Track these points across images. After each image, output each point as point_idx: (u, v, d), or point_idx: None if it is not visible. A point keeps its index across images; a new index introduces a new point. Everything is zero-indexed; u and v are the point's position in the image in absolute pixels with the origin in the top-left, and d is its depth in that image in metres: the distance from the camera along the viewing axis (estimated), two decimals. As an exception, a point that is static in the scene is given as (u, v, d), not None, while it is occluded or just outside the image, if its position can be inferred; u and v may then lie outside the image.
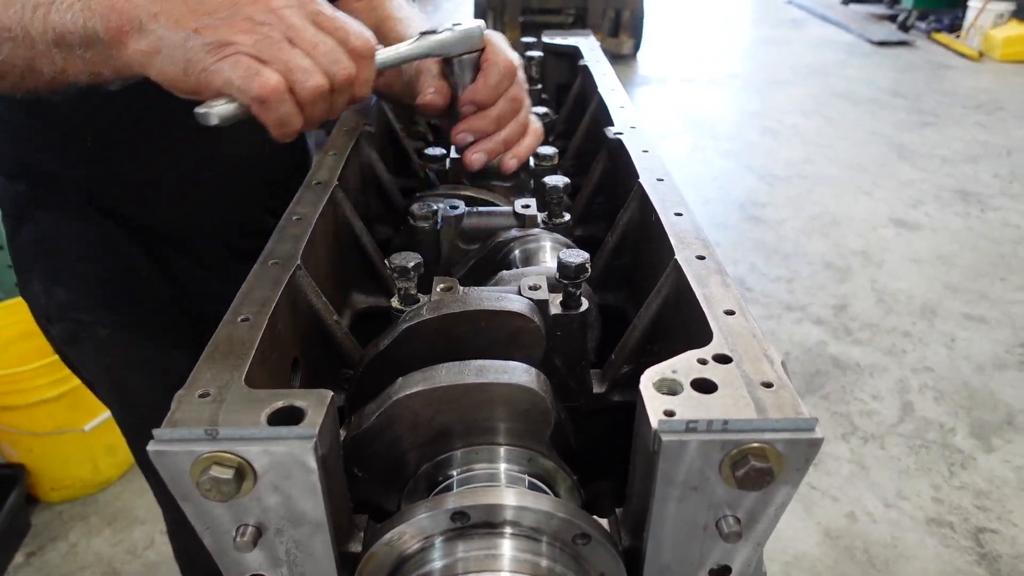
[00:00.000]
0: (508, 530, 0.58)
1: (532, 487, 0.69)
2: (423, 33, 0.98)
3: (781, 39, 8.95)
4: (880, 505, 2.54)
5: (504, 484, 0.68)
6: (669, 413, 0.56)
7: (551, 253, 0.99)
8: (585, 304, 0.81)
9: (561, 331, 0.81)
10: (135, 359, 1.20)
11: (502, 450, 0.70)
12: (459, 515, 0.58)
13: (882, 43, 8.54)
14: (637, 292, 0.99)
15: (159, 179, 1.15)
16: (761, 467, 0.54)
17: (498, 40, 1.03)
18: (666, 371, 0.60)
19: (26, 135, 1.10)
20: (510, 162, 1.04)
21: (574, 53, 1.65)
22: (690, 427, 0.55)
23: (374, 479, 0.69)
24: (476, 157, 1.02)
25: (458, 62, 1.00)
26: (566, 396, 0.84)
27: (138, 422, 1.26)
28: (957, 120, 6.07)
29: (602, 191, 1.19)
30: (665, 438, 0.54)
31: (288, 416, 0.56)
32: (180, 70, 0.73)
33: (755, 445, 0.55)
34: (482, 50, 1.00)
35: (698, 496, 0.58)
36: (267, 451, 0.54)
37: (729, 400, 0.57)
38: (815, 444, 0.55)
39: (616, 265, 1.04)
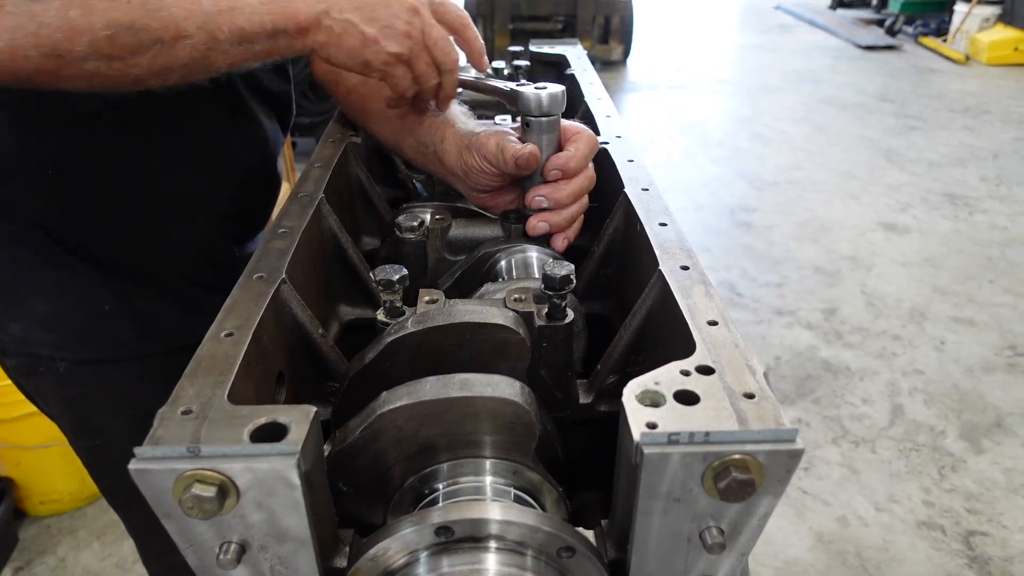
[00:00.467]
0: (493, 544, 0.58)
1: (518, 500, 0.69)
2: (513, 88, 0.99)
3: (770, 45, 9.01)
4: (871, 509, 2.55)
5: (490, 498, 0.68)
6: (651, 425, 0.56)
7: (537, 264, 0.99)
8: (571, 315, 0.81)
9: (547, 342, 0.81)
10: (98, 392, 1.15)
11: (488, 463, 0.70)
12: (443, 530, 0.58)
13: (870, 48, 8.61)
14: (622, 302, 0.99)
15: (122, 212, 1.10)
16: (743, 479, 0.55)
17: (574, 122, 1.03)
18: (649, 383, 0.61)
19: None
20: (562, 243, 1.02)
21: (561, 62, 1.66)
22: (672, 439, 0.55)
23: (359, 493, 0.69)
24: (541, 226, 0.99)
25: (537, 123, 0.97)
26: (552, 407, 0.85)
27: (104, 454, 1.20)
28: (944, 124, 6.12)
29: (595, 203, 1.19)
30: (647, 450, 0.55)
31: (271, 432, 0.56)
32: (346, 56, 0.90)
33: (736, 457, 0.55)
34: (557, 118, 0.98)
35: (681, 508, 0.58)
36: (250, 468, 0.54)
37: (711, 412, 0.57)
38: (796, 455, 0.55)
39: (602, 275, 1.04)
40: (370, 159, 1.31)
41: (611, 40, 7.74)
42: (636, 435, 0.55)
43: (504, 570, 0.58)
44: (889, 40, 8.83)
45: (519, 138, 0.99)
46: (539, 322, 0.80)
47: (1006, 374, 3.22)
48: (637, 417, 0.57)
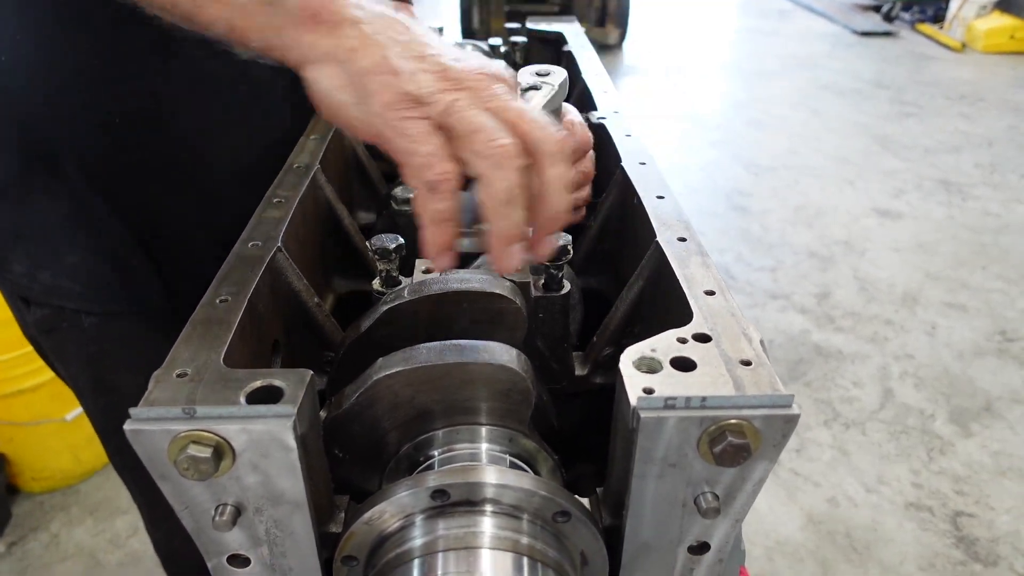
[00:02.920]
0: (488, 508, 0.59)
1: (513, 466, 0.69)
2: (524, 90, 0.88)
3: (768, 29, 8.97)
4: (861, 490, 2.58)
5: (485, 463, 0.68)
6: (648, 391, 0.56)
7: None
8: (567, 286, 0.81)
9: (543, 313, 0.81)
10: (122, 351, 1.16)
11: (483, 430, 0.70)
12: (439, 493, 0.58)
13: (866, 34, 8.58)
14: (619, 276, 0.99)
15: (168, 168, 1.09)
16: (738, 443, 0.55)
17: (573, 112, 0.99)
18: (645, 350, 0.61)
19: (41, 98, 1.01)
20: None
21: (558, 39, 1.65)
22: (668, 404, 0.55)
23: (355, 460, 0.69)
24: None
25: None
26: (548, 378, 0.85)
27: (119, 411, 1.23)
28: (939, 111, 6.12)
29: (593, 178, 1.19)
30: (644, 415, 0.55)
31: (267, 395, 0.56)
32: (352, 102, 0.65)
33: (733, 421, 0.55)
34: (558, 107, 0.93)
35: (677, 473, 0.58)
36: (245, 429, 0.54)
37: (708, 378, 0.58)
38: (792, 420, 0.56)
39: (599, 249, 1.04)
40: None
41: (607, 23, 7.68)
42: (633, 400, 0.55)
43: (500, 533, 0.58)
44: (886, 26, 8.80)
45: None
46: (536, 293, 0.80)
47: (996, 359, 3.24)
48: (634, 382, 0.57)
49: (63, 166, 1.05)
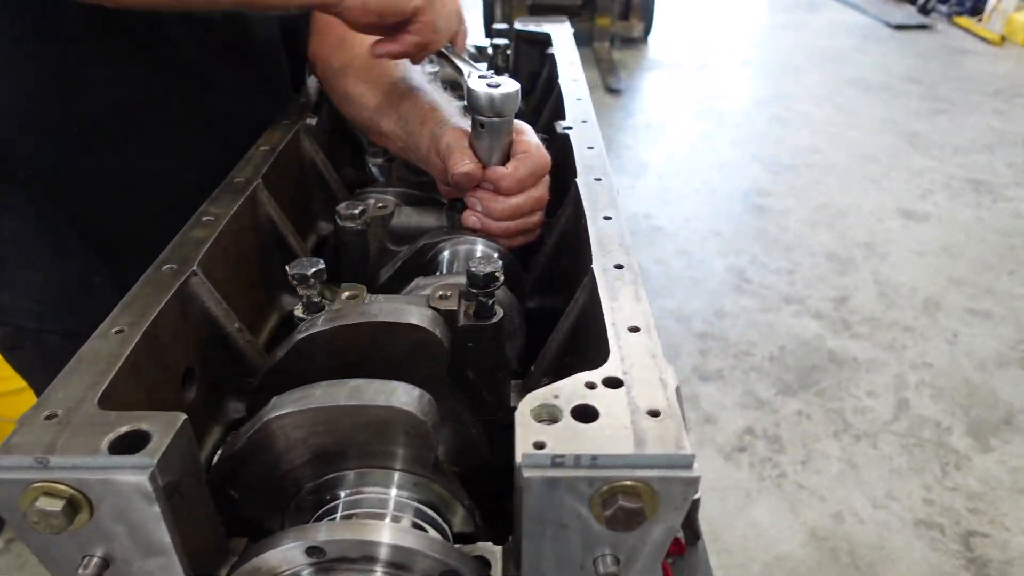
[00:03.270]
0: (368, 567, 0.55)
1: (419, 515, 0.65)
2: (468, 79, 0.91)
3: (797, 23, 8.75)
4: (868, 505, 2.49)
5: (391, 512, 0.64)
6: (539, 445, 0.51)
7: (483, 256, 0.94)
8: (499, 314, 0.77)
9: (472, 342, 0.77)
10: None
11: (394, 475, 0.66)
12: (315, 550, 0.54)
13: (900, 27, 8.32)
14: (569, 299, 0.94)
15: (139, 180, 1.07)
16: (630, 507, 0.50)
17: (531, 133, 0.96)
18: (548, 396, 0.56)
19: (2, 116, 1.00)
20: (504, 243, 0.97)
21: (545, 40, 1.60)
22: (556, 462, 0.51)
23: (254, 500, 0.66)
24: (472, 221, 0.95)
25: (489, 124, 0.90)
26: (481, 409, 0.80)
27: None
28: (973, 107, 5.91)
29: (553, 190, 1.14)
30: (527, 473, 0.50)
31: (133, 442, 0.52)
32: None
33: (628, 483, 0.51)
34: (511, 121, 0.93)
35: (570, 534, 0.54)
36: (103, 481, 0.51)
37: (608, 431, 0.53)
38: (691, 483, 0.51)
39: (556, 267, 0.99)
40: (333, 142, 1.27)
41: (632, 16, 7.54)
42: (518, 456, 0.51)
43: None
44: (921, 19, 8.53)
45: (470, 138, 0.94)
46: (464, 321, 0.76)
47: (1020, 370, 3.11)
48: (526, 435, 0.52)
49: (20, 182, 1.04)
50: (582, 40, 7.66)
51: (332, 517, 0.65)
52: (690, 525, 1.84)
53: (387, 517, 0.64)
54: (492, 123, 0.90)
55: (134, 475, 0.50)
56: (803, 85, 6.54)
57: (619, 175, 4.86)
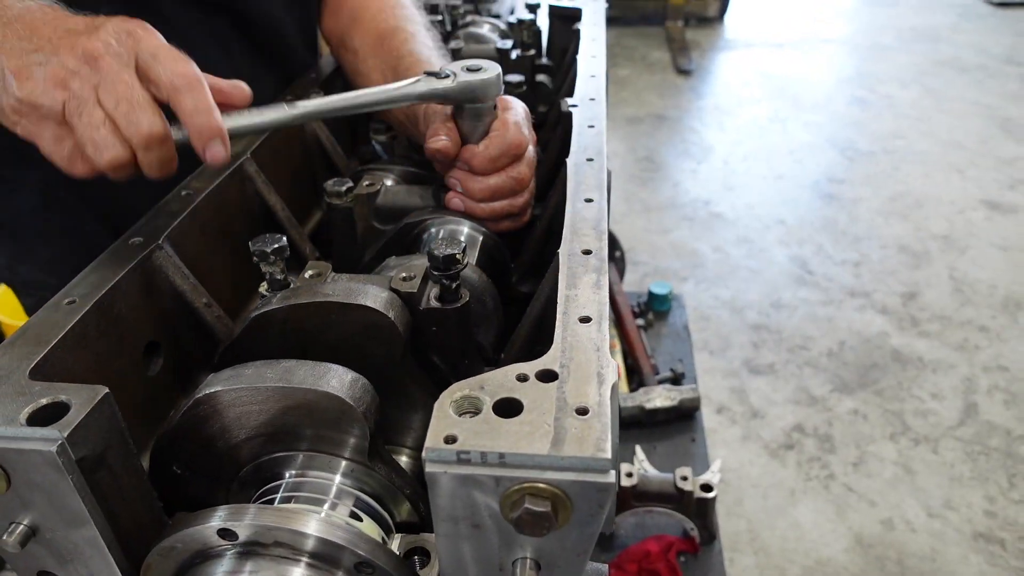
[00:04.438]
0: (278, 552, 0.53)
1: (359, 503, 0.63)
2: (427, 73, 0.88)
3: (889, 0, 8.25)
4: (923, 514, 2.34)
5: (330, 499, 0.63)
6: (449, 439, 0.48)
7: (466, 239, 0.91)
8: (465, 298, 0.74)
9: (437, 326, 0.74)
10: None
11: (341, 462, 0.64)
12: (226, 532, 0.53)
13: (1003, 4, 7.73)
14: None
15: None
16: (537, 511, 0.47)
17: (514, 112, 0.93)
18: (475, 386, 0.53)
19: None
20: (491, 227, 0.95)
21: (575, 15, 1.54)
22: (462, 458, 0.48)
23: (197, 477, 0.65)
24: (455, 203, 0.93)
25: (468, 109, 0.89)
26: (448, 395, 0.78)
27: None
28: (1080, 91, 5.44)
29: (557, 168, 1.10)
30: (429, 468, 0.47)
31: (51, 413, 0.52)
32: None
33: (540, 485, 0.47)
34: (495, 105, 0.90)
35: (485, 535, 0.50)
36: (15, 451, 0.51)
37: (527, 427, 0.49)
38: (605, 489, 0.47)
39: (547, 250, 0.95)
40: (341, 120, 1.26)
41: (707, -6, 7.29)
42: (424, 449, 0.48)
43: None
44: (1028, -5, 7.90)
45: (454, 116, 0.91)
46: (426, 304, 0.73)
47: (1109, 377, 2.86)
48: (439, 426, 0.50)
49: (33, 158, 1.07)
50: (655, 19, 7.46)
51: (271, 498, 0.63)
52: (705, 525, 1.78)
53: (326, 503, 0.63)
54: (472, 107, 0.88)
55: (44, 446, 0.50)
56: (890, 65, 6.17)
57: (682, 159, 4.71)
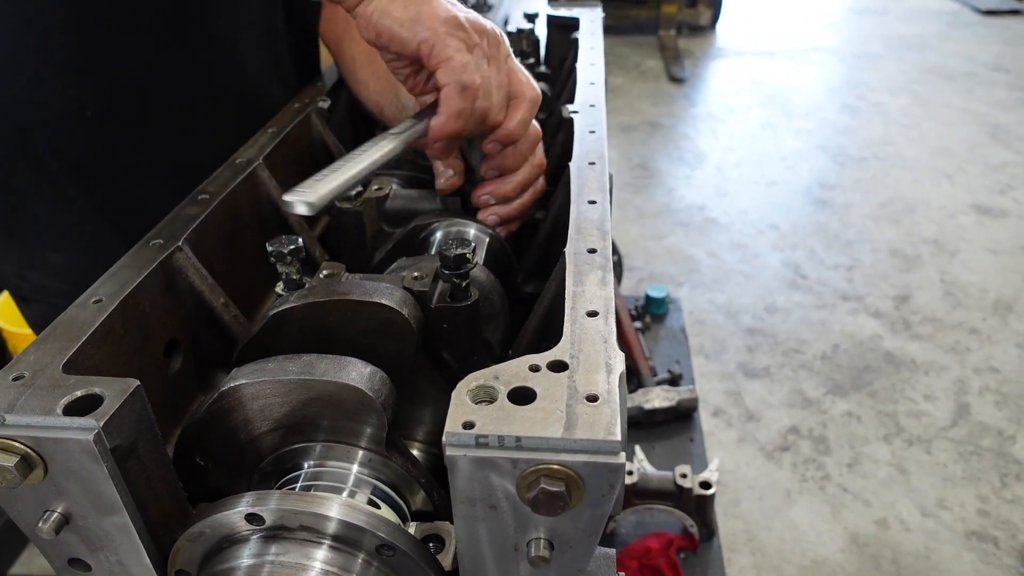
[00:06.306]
0: (305, 536, 0.56)
1: (376, 491, 0.66)
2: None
3: (877, 8, 8.35)
4: (917, 513, 2.38)
5: (349, 488, 0.66)
6: (468, 425, 0.51)
7: (473, 240, 0.94)
8: (474, 295, 0.77)
9: (447, 324, 0.77)
10: None
11: (358, 452, 0.67)
12: (253, 517, 0.55)
13: (990, 12, 7.84)
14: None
15: (159, 160, 1.10)
16: (552, 490, 0.49)
17: (527, 99, 0.98)
18: (489, 376, 0.56)
19: (15, 88, 1.01)
20: (503, 232, 1.01)
21: (572, 25, 1.58)
22: (480, 442, 0.50)
23: (221, 468, 0.68)
24: (492, 219, 0.98)
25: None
26: (458, 391, 0.81)
27: None
28: (1066, 98, 5.52)
29: (558, 173, 1.13)
30: (449, 452, 0.50)
31: (87, 404, 0.55)
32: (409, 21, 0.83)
33: (555, 467, 0.50)
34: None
35: (501, 516, 0.53)
36: (53, 440, 0.53)
37: (541, 414, 0.52)
38: (616, 469, 0.50)
39: (551, 252, 0.98)
40: (345, 124, 1.29)
41: (699, 4, 7.36)
42: (444, 434, 0.51)
43: (315, 564, 0.55)
44: (1014, 4, 8.01)
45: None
46: (438, 302, 0.76)
47: (1098, 378, 2.91)
48: (458, 413, 0.52)
49: (44, 162, 1.07)
50: (648, 28, 7.53)
51: (292, 487, 0.66)
52: (704, 522, 1.81)
53: (344, 491, 0.65)
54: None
55: (82, 435, 0.53)
56: (879, 73, 6.25)
57: (675, 166, 4.76)
